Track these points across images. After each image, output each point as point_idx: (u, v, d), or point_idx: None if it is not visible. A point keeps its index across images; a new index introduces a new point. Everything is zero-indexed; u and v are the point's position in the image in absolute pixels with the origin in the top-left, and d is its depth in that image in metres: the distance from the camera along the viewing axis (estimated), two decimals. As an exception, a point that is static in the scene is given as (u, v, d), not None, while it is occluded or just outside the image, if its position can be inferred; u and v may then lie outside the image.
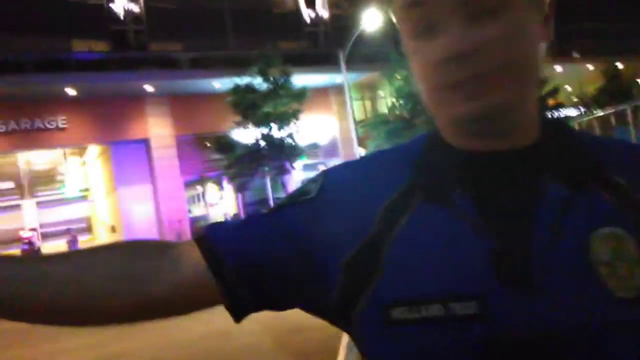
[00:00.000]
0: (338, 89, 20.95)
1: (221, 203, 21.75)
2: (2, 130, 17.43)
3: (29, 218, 21.57)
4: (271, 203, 17.46)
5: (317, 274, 0.60)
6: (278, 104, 16.29)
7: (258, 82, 16.35)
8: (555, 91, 18.57)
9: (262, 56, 16.36)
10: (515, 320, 0.50)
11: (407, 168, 0.62)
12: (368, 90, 24.38)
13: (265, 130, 16.27)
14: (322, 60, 21.18)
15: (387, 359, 0.55)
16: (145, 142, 19.55)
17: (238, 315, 0.64)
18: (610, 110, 16.43)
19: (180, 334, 5.90)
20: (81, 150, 23.02)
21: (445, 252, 0.54)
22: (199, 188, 21.63)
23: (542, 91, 17.00)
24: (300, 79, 17.17)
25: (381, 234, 0.58)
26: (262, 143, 16.34)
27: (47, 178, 22.92)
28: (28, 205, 21.93)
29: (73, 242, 17.35)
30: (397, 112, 18.00)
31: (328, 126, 22.26)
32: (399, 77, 17.36)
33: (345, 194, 0.62)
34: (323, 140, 20.46)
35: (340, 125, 22.24)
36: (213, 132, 18.22)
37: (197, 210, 21.61)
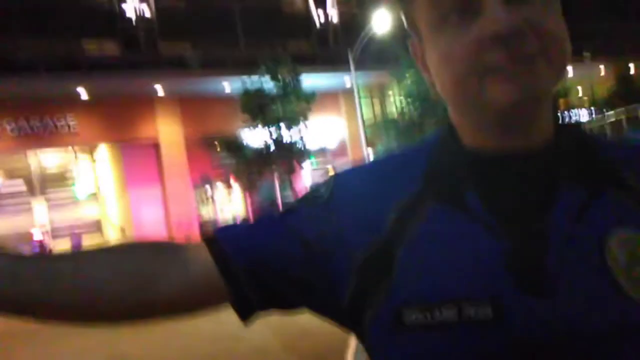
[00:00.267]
0: (347, 90, 20.95)
1: (230, 204, 21.83)
2: (12, 130, 17.62)
3: (39, 218, 21.77)
4: (280, 204, 17.50)
5: (327, 276, 0.60)
6: (287, 105, 16.33)
7: (268, 85, 16.40)
8: (565, 92, 18.44)
9: (272, 57, 16.41)
10: (530, 324, 0.49)
11: (419, 170, 0.61)
12: (377, 91, 24.35)
13: (274, 132, 16.31)
14: (332, 61, 21.19)
15: None
16: (155, 143, 19.68)
17: (245, 315, 0.64)
18: (621, 112, 16.29)
19: (189, 335, 5.92)
20: (91, 150, 23.21)
21: (459, 255, 0.53)
22: (208, 189, 21.70)
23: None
24: (310, 80, 17.19)
25: (394, 236, 0.57)
26: (271, 144, 16.38)
27: (57, 179, 23.12)
28: (39, 205, 22.14)
29: (77, 242, 17.49)
30: (406, 114, 17.98)
31: (337, 127, 22.26)
32: (408, 78, 17.33)
33: (356, 196, 0.62)
34: (332, 142, 20.47)
35: (349, 126, 22.23)
36: (222, 134, 18.30)
37: (206, 211, 21.68)
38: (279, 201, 17.74)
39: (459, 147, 0.60)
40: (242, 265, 0.61)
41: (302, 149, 16.58)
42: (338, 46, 22.02)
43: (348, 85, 19.73)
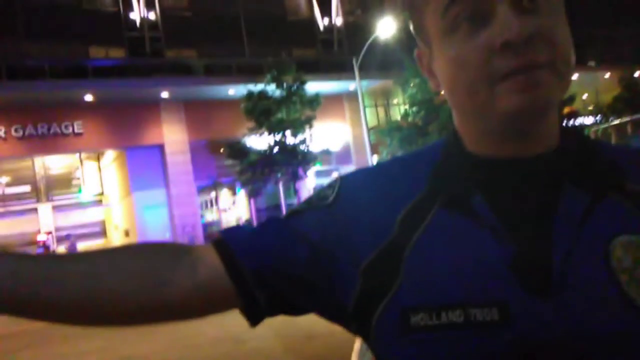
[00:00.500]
0: (351, 96, 20.96)
1: (234, 208, 21.83)
2: (19, 135, 17.71)
3: (45, 221, 21.82)
4: (284, 209, 17.48)
5: (334, 279, 0.60)
6: (291, 111, 16.35)
7: (272, 88, 16.43)
8: (571, 99, 18.40)
9: (276, 63, 16.45)
10: (536, 326, 0.50)
11: (425, 174, 0.62)
12: (381, 97, 24.35)
13: (278, 137, 16.32)
14: (336, 67, 21.22)
15: None
16: (159, 148, 19.72)
17: (253, 319, 0.64)
18: (627, 119, 16.22)
19: (192, 337, 5.92)
20: (97, 155, 23.28)
21: (465, 258, 0.54)
22: (212, 193, 21.73)
23: (557, 99, 16.81)
24: (314, 86, 17.22)
25: (400, 239, 0.57)
26: (276, 149, 16.38)
27: (63, 182, 23.18)
28: (44, 208, 22.19)
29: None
30: (410, 119, 17.96)
31: (341, 133, 22.25)
32: (412, 84, 17.33)
33: (362, 199, 0.62)
34: (336, 147, 20.45)
35: (353, 132, 22.22)
36: (227, 138, 18.33)
37: (210, 216, 21.70)
38: (283, 206, 17.72)
39: (465, 153, 0.61)
40: (250, 268, 0.61)
41: (307, 154, 16.56)
42: (342, 53, 22.07)
43: (352, 91, 19.76)
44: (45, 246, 18.71)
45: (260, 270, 0.62)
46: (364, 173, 0.68)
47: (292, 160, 16.35)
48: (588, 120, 23.82)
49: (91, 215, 23.68)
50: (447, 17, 0.55)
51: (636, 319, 0.49)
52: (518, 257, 0.53)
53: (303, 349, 5.19)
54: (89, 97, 17.78)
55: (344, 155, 22.42)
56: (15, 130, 17.63)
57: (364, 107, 15.97)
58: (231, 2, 20.92)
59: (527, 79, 0.52)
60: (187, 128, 19.72)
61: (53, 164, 22.74)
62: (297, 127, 16.25)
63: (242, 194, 20.57)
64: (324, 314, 0.64)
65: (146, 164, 19.64)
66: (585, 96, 27.15)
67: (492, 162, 0.59)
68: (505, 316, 0.50)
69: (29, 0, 17.73)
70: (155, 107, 19.24)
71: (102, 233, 24.08)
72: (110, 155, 22.33)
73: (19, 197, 21.79)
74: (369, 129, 16.08)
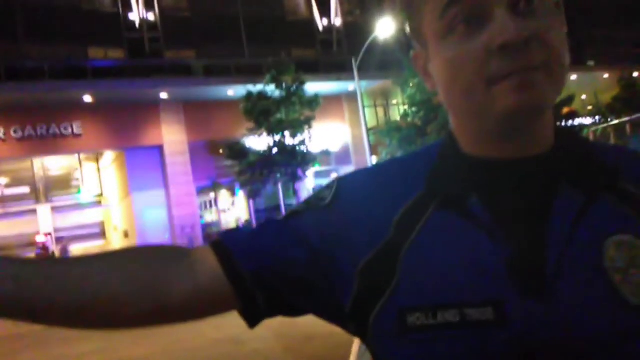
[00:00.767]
0: (350, 96, 20.98)
1: (233, 209, 21.84)
2: (18, 136, 17.71)
3: (44, 223, 21.82)
4: (283, 210, 17.49)
5: (332, 280, 0.60)
6: (291, 111, 16.36)
7: (271, 89, 16.44)
8: (570, 99, 18.41)
9: (276, 63, 16.46)
10: (531, 326, 0.50)
11: (422, 175, 0.62)
12: (380, 97, 24.38)
13: (277, 137, 16.32)
14: (335, 67, 21.25)
15: None
16: (159, 148, 19.74)
17: (252, 320, 0.65)
18: (625, 119, 16.26)
19: (192, 339, 5.92)
20: (96, 156, 23.28)
21: (461, 258, 0.54)
22: (212, 194, 21.74)
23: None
24: (313, 87, 17.23)
25: (397, 240, 0.58)
26: (275, 150, 16.38)
27: (62, 183, 23.19)
28: (43, 210, 22.19)
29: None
30: (409, 120, 17.98)
31: (340, 133, 22.28)
32: (411, 85, 17.35)
33: (359, 200, 0.63)
34: (335, 148, 20.47)
35: (353, 132, 22.25)
36: (226, 139, 18.34)
37: (209, 216, 21.71)
38: (283, 207, 17.74)
39: (461, 154, 0.62)
40: (249, 270, 0.62)
41: (306, 154, 16.57)
42: (342, 53, 22.09)
43: (352, 92, 19.78)
44: (45, 247, 18.69)
45: (259, 271, 0.62)
46: (362, 174, 0.68)
47: (292, 161, 16.36)
48: (587, 120, 23.85)
49: (90, 217, 23.68)
50: (445, 18, 0.55)
51: (630, 318, 0.50)
52: (513, 257, 0.53)
53: (302, 350, 5.19)
54: (88, 98, 17.79)
55: (344, 156, 22.43)
56: (15, 131, 17.64)
57: (363, 108, 15.99)
58: (230, 2, 20.94)
59: (524, 80, 0.53)
60: (186, 129, 19.73)
61: (52, 165, 22.75)
62: (297, 127, 16.26)
63: (241, 194, 20.58)
64: (322, 315, 0.64)
65: (145, 165, 19.65)
66: (584, 96, 27.18)
67: (488, 163, 0.59)
68: (501, 316, 0.51)
69: (28, 1, 17.73)
70: (155, 108, 19.25)
71: (101, 234, 24.08)
72: (109, 156, 22.34)
73: (18, 198, 21.79)
74: (368, 130, 16.10)
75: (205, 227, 20.53)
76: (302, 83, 16.52)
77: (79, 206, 23.23)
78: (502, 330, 0.50)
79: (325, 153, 17.71)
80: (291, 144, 16.40)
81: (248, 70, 19.35)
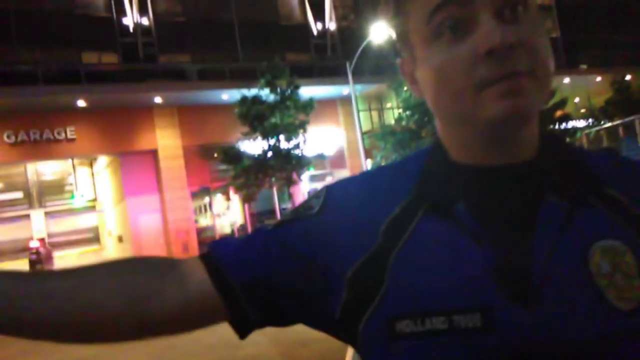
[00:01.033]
0: (345, 100, 21.00)
1: (228, 213, 21.78)
2: (11, 141, 17.61)
3: (37, 228, 21.69)
4: (278, 214, 17.47)
5: (321, 289, 0.61)
6: (285, 115, 16.35)
7: (266, 93, 16.43)
8: (563, 103, 18.51)
9: (270, 68, 16.46)
10: (518, 332, 0.50)
11: (410, 182, 0.62)
12: (375, 101, 24.42)
13: (272, 141, 16.31)
14: (330, 71, 21.27)
15: None
16: (153, 153, 19.66)
17: (243, 332, 0.65)
18: (618, 122, 16.36)
19: (187, 344, 5.90)
20: (90, 161, 23.18)
21: (449, 265, 0.55)
22: (206, 198, 21.67)
23: (549, 103, 16.93)
24: (308, 91, 17.23)
25: (385, 247, 0.58)
26: (269, 154, 16.37)
27: (55, 188, 23.07)
28: (36, 215, 22.06)
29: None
30: (404, 123, 18.00)
31: (335, 137, 22.28)
32: (405, 88, 17.39)
33: (347, 208, 0.63)
34: (330, 151, 20.47)
35: (347, 136, 22.26)
36: (220, 143, 18.30)
37: (204, 221, 21.63)
38: (277, 211, 17.71)
39: (449, 161, 0.62)
40: (238, 282, 0.62)
41: (301, 158, 16.56)
42: (336, 57, 22.12)
43: (346, 96, 19.80)
44: (38, 252, 18.58)
45: (248, 283, 0.62)
46: (351, 182, 0.68)
47: (286, 165, 16.34)
48: (580, 123, 23.97)
49: (84, 221, 23.57)
50: (431, 23, 0.56)
51: (616, 323, 0.50)
52: (500, 264, 0.53)
53: (297, 355, 5.18)
54: (81, 103, 17.72)
55: (338, 160, 22.44)
56: (8, 136, 17.53)
57: (358, 112, 16.01)
58: (224, 7, 20.94)
59: (510, 86, 0.53)
60: (180, 133, 19.68)
61: (46, 170, 22.64)
62: (291, 131, 16.25)
63: (236, 198, 20.53)
64: (312, 324, 0.65)
65: (139, 170, 19.57)
66: (577, 99, 27.33)
67: (475, 170, 0.60)
68: (489, 322, 0.51)
69: (22, 6, 17.67)
70: (149, 113, 19.19)
71: (96, 239, 23.96)
72: (103, 161, 22.25)
73: (11, 203, 21.66)
74: (362, 133, 16.12)
75: (200, 231, 20.46)
76: (297, 87, 16.52)
77: (72, 211, 23.12)
78: (490, 336, 0.51)
79: (320, 157, 17.71)
80: (286, 148, 16.39)
81: (242, 75, 19.32)
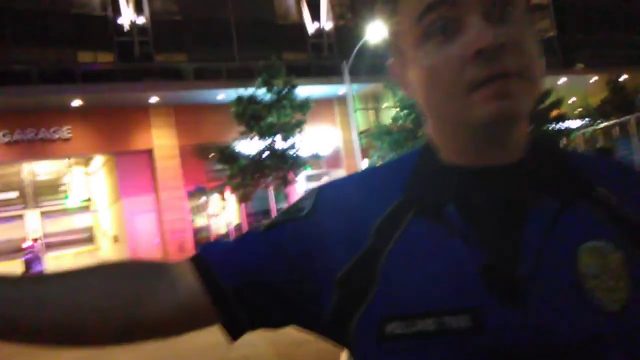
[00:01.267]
0: (341, 100, 21.02)
1: (224, 213, 21.77)
2: (6, 140, 17.55)
3: (32, 228, 21.62)
4: (274, 213, 17.48)
5: (312, 291, 0.61)
6: (282, 115, 16.35)
7: (262, 92, 16.43)
8: (558, 102, 18.56)
9: (267, 67, 16.46)
10: (507, 333, 0.50)
11: (400, 184, 0.63)
12: (371, 100, 24.46)
13: (268, 141, 16.31)
14: (326, 71, 21.28)
15: None
16: (149, 152, 19.63)
17: (234, 335, 0.65)
18: (614, 121, 16.44)
19: (181, 345, 5.87)
20: (85, 161, 23.13)
21: (438, 266, 0.55)
22: (202, 198, 21.66)
23: (545, 102, 17.00)
24: (304, 90, 17.24)
25: (375, 249, 0.58)
26: (266, 153, 16.37)
27: (51, 188, 23.01)
28: (31, 215, 22.00)
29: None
30: (400, 123, 18.04)
31: (331, 137, 22.31)
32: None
33: (338, 210, 0.63)
34: (326, 151, 20.50)
35: (344, 135, 22.28)
36: (217, 143, 18.29)
37: (200, 221, 21.62)
38: (274, 210, 17.73)
39: (439, 162, 0.62)
40: (229, 285, 0.62)
41: (297, 158, 16.57)
42: (333, 56, 22.13)
43: (343, 95, 19.82)
44: (33, 252, 18.52)
45: (240, 286, 0.62)
46: (342, 183, 0.69)
47: (283, 165, 16.35)
48: (576, 123, 24.07)
49: (79, 222, 23.51)
50: (422, 24, 0.56)
51: (604, 324, 0.50)
52: (489, 265, 0.54)
53: (293, 355, 5.18)
54: (77, 102, 17.68)
55: (335, 159, 22.46)
56: (3, 136, 17.48)
57: (354, 111, 16.03)
58: (221, 6, 20.91)
59: (500, 87, 0.53)
60: (176, 133, 19.66)
61: (41, 169, 22.57)
62: (288, 131, 16.26)
63: (232, 198, 20.53)
64: (304, 325, 0.65)
65: (135, 169, 19.54)
66: (573, 99, 27.45)
67: (465, 171, 0.60)
68: (478, 323, 0.51)
69: (17, 5, 17.60)
70: (145, 112, 19.16)
71: (91, 239, 23.90)
72: (98, 160, 22.20)
73: (6, 203, 21.58)
74: (359, 133, 16.14)
75: (196, 231, 20.45)
76: (293, 86, 16.53)
77: (68, 211, 23.06)
78: (480, 337, 0.51)
79: (317, 156, 17.73)
80: (282, 147, 16.40)
81: (239, 74, 19.31)
